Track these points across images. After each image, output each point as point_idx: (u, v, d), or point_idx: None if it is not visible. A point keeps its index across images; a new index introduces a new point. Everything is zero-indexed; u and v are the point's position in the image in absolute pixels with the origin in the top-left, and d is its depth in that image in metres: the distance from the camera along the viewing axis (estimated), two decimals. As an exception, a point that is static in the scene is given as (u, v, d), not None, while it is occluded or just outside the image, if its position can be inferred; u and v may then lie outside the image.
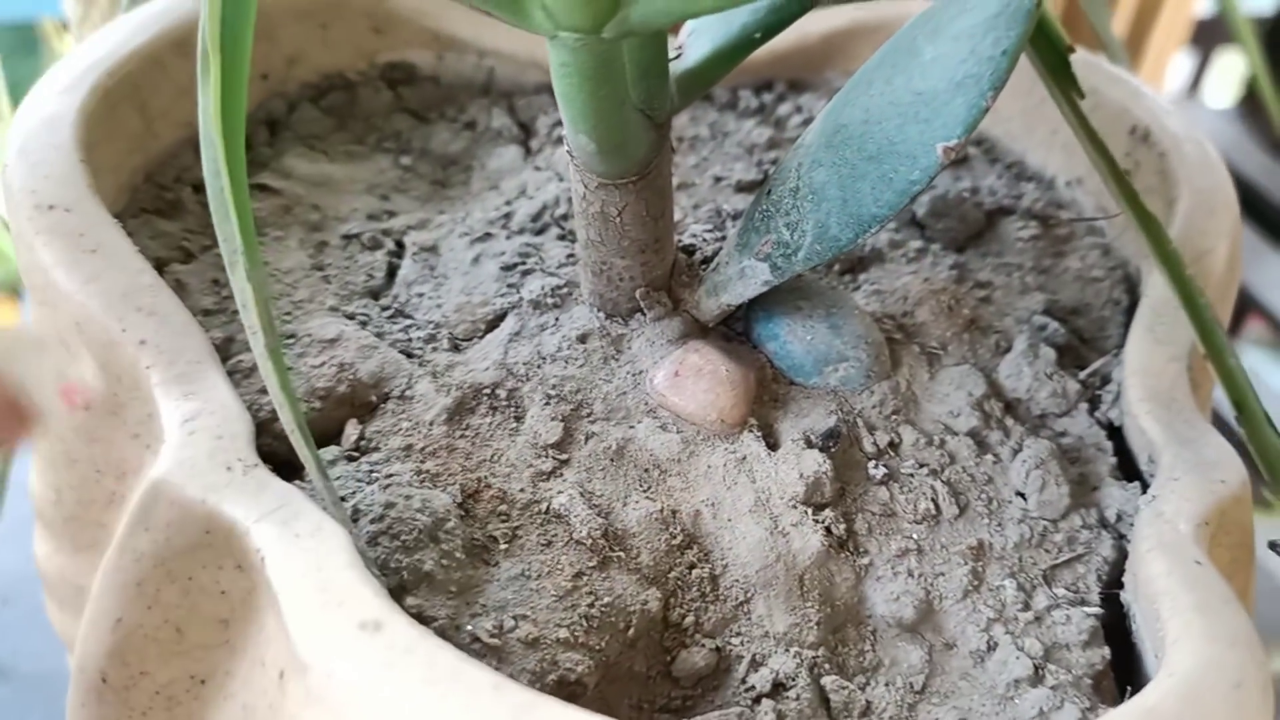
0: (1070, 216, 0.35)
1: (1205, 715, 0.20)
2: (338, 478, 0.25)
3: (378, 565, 0.23)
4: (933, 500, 0.26)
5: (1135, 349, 0.29)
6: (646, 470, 0.26)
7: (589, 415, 0.27)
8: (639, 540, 0.25)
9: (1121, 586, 0.25)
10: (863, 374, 0.28)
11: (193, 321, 0.26)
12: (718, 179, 0.35)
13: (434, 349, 0.29)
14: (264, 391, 0.26)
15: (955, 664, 0.25)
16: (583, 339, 0.28)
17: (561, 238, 0.32)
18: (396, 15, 0.37)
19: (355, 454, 0.26)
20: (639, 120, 0.25)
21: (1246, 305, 0.76)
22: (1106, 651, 0.24)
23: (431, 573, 0.23)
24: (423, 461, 0.26)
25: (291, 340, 0.28)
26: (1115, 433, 0.29)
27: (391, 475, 0.25)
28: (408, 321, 0.29)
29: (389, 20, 0.37)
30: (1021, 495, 0.27)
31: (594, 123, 0.24)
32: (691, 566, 0.25)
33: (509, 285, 0.30)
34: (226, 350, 0.27)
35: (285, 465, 0.24)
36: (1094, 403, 0.30)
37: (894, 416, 0.28)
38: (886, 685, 0.24)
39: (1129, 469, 0.28)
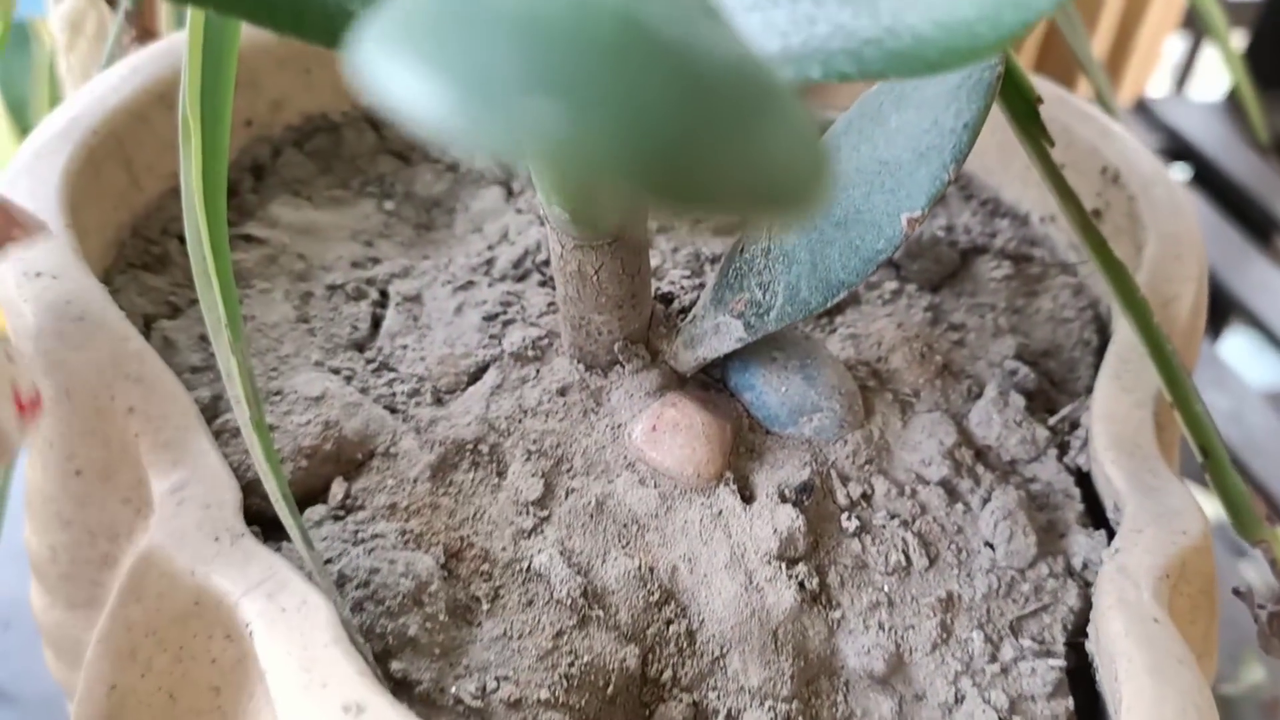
0: (1042, 257, 0.35)
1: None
2: (324, 538, 0.26)
3: (363, 631, 0.23)
4: (904, 552, 0.27)
5: (1102, 396, 0.29)
6: (625, 526, 0.27)
7: (569, 470, 0.28)
8: (617, 597, 0.26)
9: (1086, 635, 0.26)
10: (836, 423, 0.29)
11: (180, 386, 0.27)
12: (696, 220, 0.36)
13: (417, 403, 0.29)
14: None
15: (924, 715, 0.25)
16: (563, 392, 0.29)
17: (543, 284, 0.33)
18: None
19: (341, 512, 0.27)
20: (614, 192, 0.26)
21: (1230, 308, 0.77)
22: (1070, 703, 0.25)
23: (416, 637, 0.24)
24: (407, 520, 0.26)
25: (278, 397, 0.28)
26: (1084, 477, 0.30)
27: (376, 536, 0.26)
28: (392, 375, 0.30)
29: (372, 63, 0.37)
30: (990, 545, 0.28)
31: (567, 196, 0.25)
32: (669, 622, 0.26)
33: (491, 336, 0.31)
34: (214, 409, 0.28)
35: (272, 524, 0.25)
36: (1063, 448, 0.30)
37: (867, 466, 0.29)
38: (858, 736, 0.25)
39: (1097, 513, 0.29)
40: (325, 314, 0.32)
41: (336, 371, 0.30)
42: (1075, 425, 0.31)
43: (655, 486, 0.28)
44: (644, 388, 0.29)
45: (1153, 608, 0.24)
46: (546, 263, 0.33)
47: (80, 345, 0.26)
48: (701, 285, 0.32)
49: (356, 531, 0.26)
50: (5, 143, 0.57)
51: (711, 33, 0.12)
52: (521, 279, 0.33)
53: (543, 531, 0.27)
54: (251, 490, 0.26)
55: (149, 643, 0.23)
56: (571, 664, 0.24)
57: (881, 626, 0.26)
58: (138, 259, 0.32)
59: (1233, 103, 0.95)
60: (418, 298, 0.32)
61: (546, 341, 0.30)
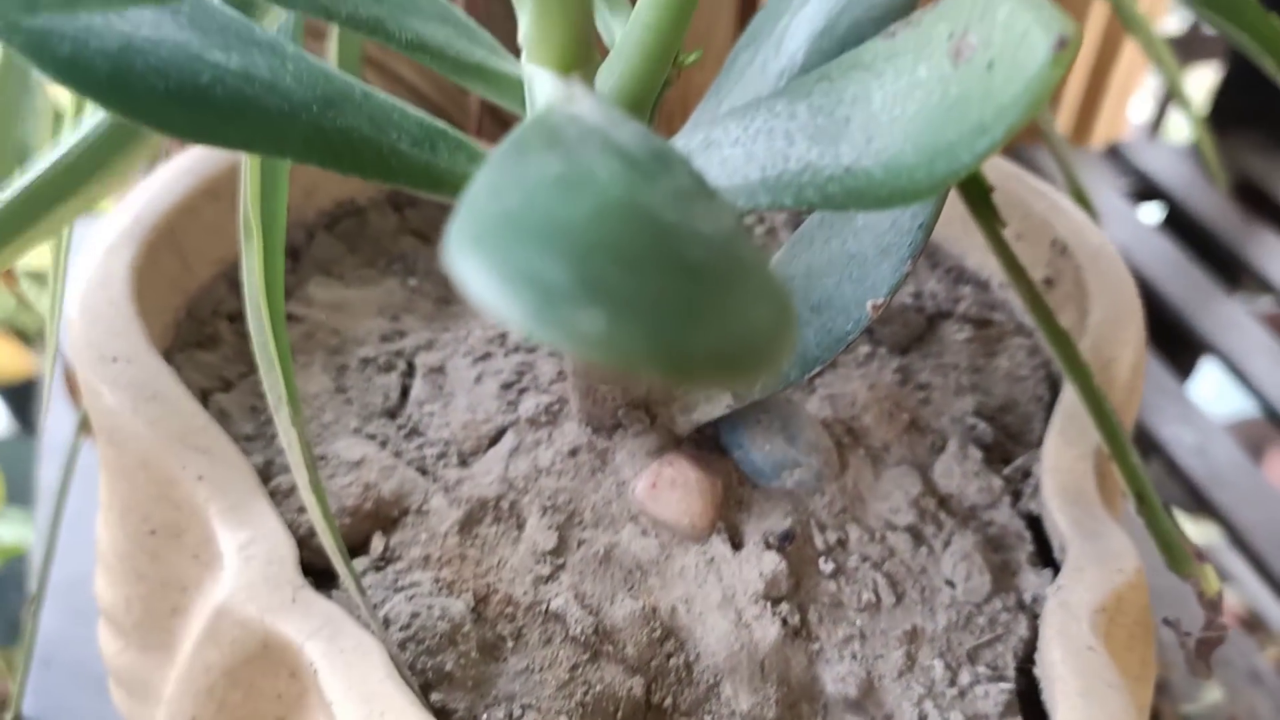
0: (1001, 320, 0.39)
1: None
2: (369, 586, 0.30)
3: (408, 667, 0.27)
4: (874, 591, 0.31)
5: (1050, 449, 0.33)
6: (630, 572, 0.31)
7: (580, 523, 0.32)
8: (625, 634, 0.29)
9: (1034, 661, 0.30)
10: (815, 477, 0.33)
11: (240, 456, 0.30)
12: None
13: (445, 465, 0.33)
14: (301, 510, 0.31)
15: (894, 734, 0.29)
16: (573, 453, 0.33)
17: (552, 354, 0.37)
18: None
19: (382, 563, 0.30)
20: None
21: (1198, 346, 0.81)
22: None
23: (451, 671, 0.28)
24: (439, 570, 0.30)
25: (323, 461, 0.32)
26: (1034, 521, 0.34)
27: (414, 584, 0.30)
28: (421, 439, 0.34)
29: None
30: (950, 583, 0.32)
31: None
32: (669, 656, 0.30)
33: (508, 403, 0.35)
34: (266, 473, 0.32)
35: (323, 574, 0.29)
36: (1016, 495, 0.34)
37: (842, 515, 0.33)
38: (836, 754, 0.29)
39: (1046, 553, 0.33)
40: (360, 385, 0.35)
41: (373, 437, 0.34)
42: (1027, 474, 0.35)
43: (656, 537, 0.31)
44: (645, 448, 0.33)
45: (1089, 637, 0.28)
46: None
47: (154, 421, 0.30)
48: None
49: (396, 580, 0.30)
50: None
51: (700, 207, 0.16)
52: (532, 350, 0.37)
53: (558, 578, 0.30)
54: (303, 545, 0.30)
55: (224, 681, 0.27)
56: (586, 693, 0.28)
57: (855, 656, 0.30)
58: (192, 338, 0.36)
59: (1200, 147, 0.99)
60: (441, 368, 0.36)
61: (557, 407, 0.34)
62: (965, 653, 0.30)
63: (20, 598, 0.82)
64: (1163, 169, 0.96)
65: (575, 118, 0.19)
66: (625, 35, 0.25)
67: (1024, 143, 0.92)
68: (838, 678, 0.30)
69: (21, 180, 0.28)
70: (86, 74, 0.21)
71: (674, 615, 0.30)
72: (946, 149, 0.20)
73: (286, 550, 0.28)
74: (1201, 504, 0.69)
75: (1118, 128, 0.99)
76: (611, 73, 0.26)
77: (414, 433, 0.34)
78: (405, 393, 0.36)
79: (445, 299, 0.40)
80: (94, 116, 0.29)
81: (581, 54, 0.25)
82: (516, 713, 0.27)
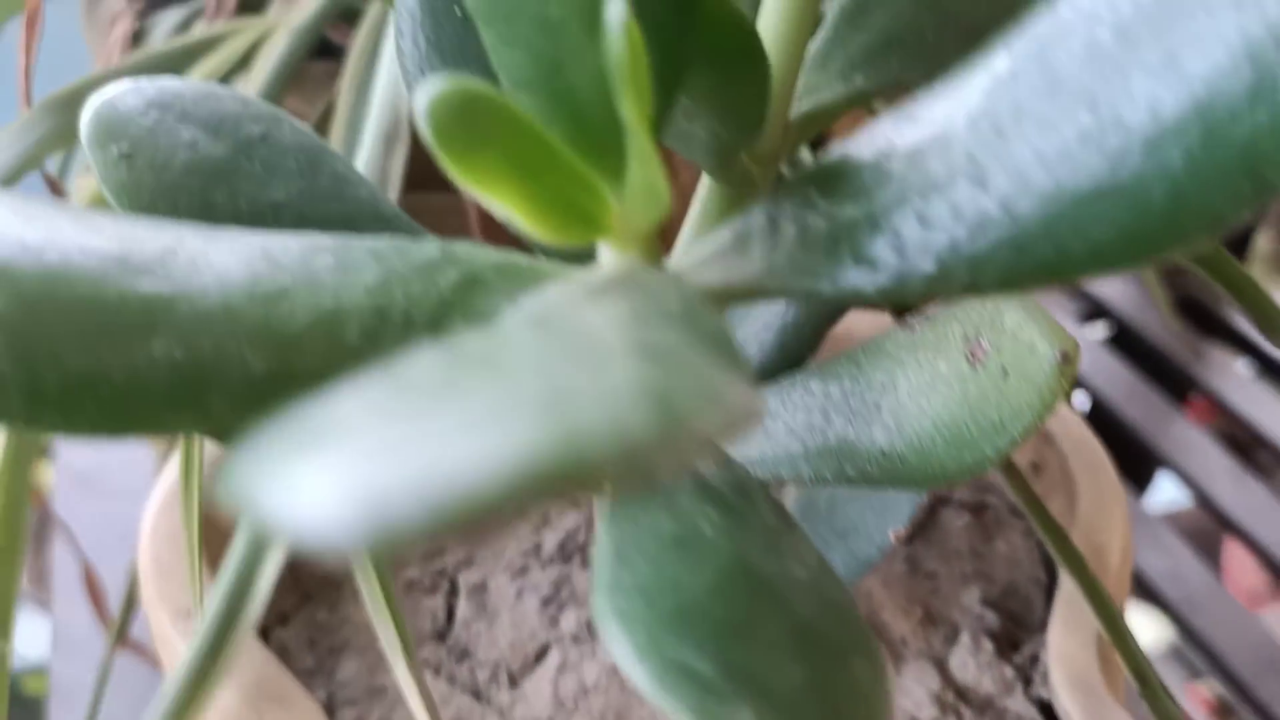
0: (994, 504, 0.42)
1: None
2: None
3: None
4: (909, 790, 0.33)
5: (1055, 638, 0.36)
6: (682, 786, 0.33)
7: (630, 740, 0.34)
8: None
9: None
10: (843, 678, 0.35)
11: (307, 697, 0.32)
12: None
13: (496, 688, 0.35)
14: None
15: None
16: (616, 670, 0.35)
17: (584, 565, 0.39)
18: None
19: (448, 793, 0.32)
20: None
21: (1153, 464, 0.84)
22: None
23: None
24: (504, 797, 0.32)
25: (382, 694, 0.34)
26: (1045, 706, 0.36)
27: (482, 813, 0.32)
28: (471, 661, 0.36)
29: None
30: (977, 777, 0.34)
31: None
32: None
33: (550, 619, 0.37)
34: (330, 706, 0.34)
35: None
36: (1027, 681, 0.37)
37: (871, 714, 0.35)
38: None
39: (1060, 738, 0.36)
40: (408, 610, 0.38)
41: (426, 663, 0.36)
42: (1035, 659, 0.37)
43: (702, 749, 0.34)
44: (683, 659, 0.35)
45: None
46: (584, 546, 0.40)
47: (233, 673, 0.32)
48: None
49: (465, 811, 0.32)
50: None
51: (786, 544, 0.19)
52: (568, 560, 0.39)
53: (616, 797, 0.33)
54: (373, 780, 0.32)
55: None
56: None
57: None
58: (248, 573, 0.38)
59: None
60: (483, 585, 0.38)
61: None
62: (998, 846, 0.33)
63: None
64: (1109, 292, 1.01)
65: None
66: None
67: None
68: None
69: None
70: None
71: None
72: (971, 443, 0.23)
73: (366, 794, 0.30)
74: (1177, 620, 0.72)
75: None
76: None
77: (464, 654, 0.36)
78: (451, 613, 0.38)
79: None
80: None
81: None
82: None
